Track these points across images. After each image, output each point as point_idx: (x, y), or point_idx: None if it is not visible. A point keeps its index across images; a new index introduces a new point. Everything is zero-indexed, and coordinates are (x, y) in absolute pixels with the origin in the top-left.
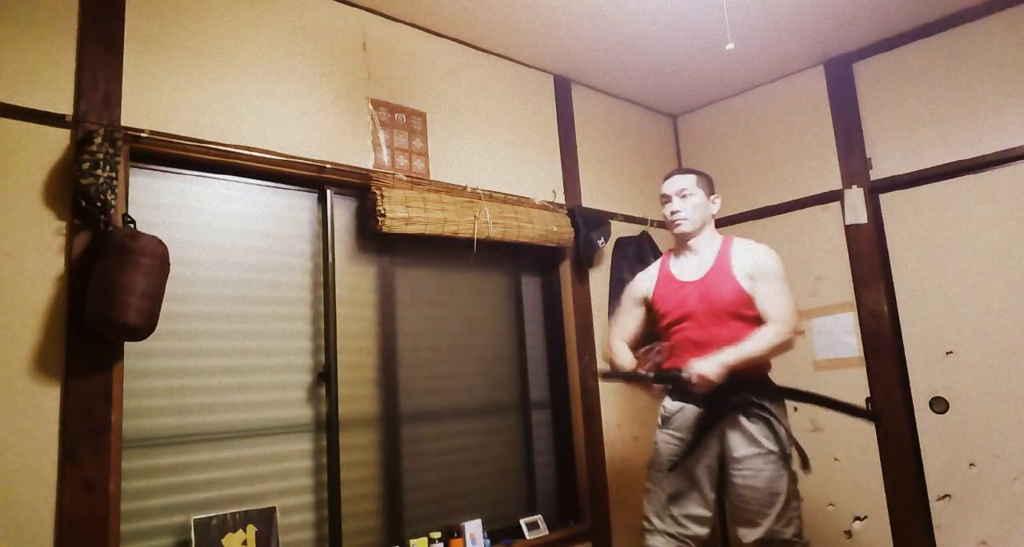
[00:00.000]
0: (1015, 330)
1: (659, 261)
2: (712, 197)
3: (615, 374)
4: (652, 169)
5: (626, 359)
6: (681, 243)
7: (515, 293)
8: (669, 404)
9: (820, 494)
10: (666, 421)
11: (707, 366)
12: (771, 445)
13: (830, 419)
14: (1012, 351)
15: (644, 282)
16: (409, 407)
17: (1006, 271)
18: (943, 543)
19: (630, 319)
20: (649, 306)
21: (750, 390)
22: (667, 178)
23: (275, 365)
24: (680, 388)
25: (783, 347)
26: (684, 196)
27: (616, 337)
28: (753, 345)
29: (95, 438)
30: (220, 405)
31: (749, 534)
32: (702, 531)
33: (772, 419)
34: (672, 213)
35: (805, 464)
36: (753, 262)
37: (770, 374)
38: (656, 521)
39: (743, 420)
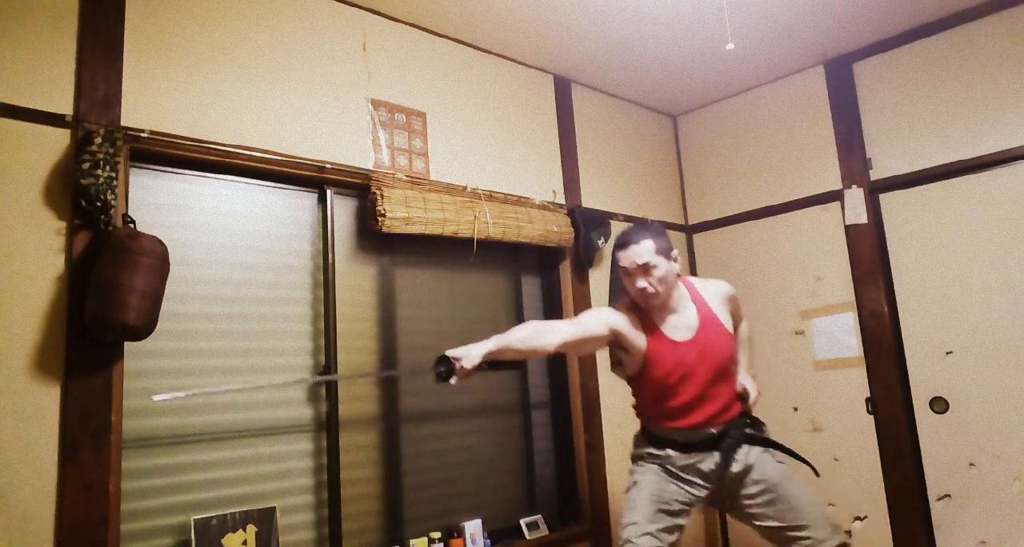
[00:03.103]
0: (1015, 330)
1: (631, 313)
2: (671, 255)
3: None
4: (652, 169)
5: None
6: (658, 306)
7: (515, 293)
8: (679, 458)
9: (820, 494)
10: (677, 467)
11: (753, 385)
12: (778, 469)
13: (830, 419)
14: (1012, 351)
15: (625, 324)
16: (409, 407)
17: (1006, 271)
18: (943, 543)
19: (580, 328)
20: (625, 348)
21: (743, 424)
22: (620, 245)
23: (275, 365)
24: (702, 441)
25: None
26: (648, 271)
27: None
28: (747, 345)
29: (95, 438)
30: (220, 405)
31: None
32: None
33: (770, 440)
34: (641, 291)
35: (814, 472)
36: (724, 296)
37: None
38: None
39: (750, 454)
